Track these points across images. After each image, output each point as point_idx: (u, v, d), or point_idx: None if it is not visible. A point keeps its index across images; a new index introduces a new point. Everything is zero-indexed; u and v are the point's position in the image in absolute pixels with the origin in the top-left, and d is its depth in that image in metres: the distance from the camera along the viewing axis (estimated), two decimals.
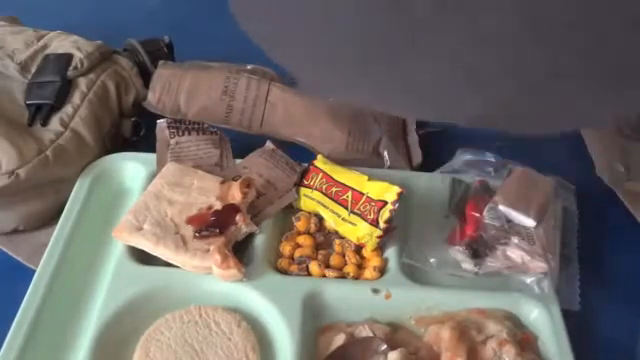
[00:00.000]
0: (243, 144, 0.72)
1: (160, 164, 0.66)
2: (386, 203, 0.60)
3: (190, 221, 0.59)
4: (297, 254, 0.61)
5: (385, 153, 0.72)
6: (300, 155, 0.69)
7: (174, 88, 0.71)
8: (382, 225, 0.60)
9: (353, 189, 0.63)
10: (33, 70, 0.70)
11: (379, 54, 0.26)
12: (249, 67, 0.75)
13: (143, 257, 0.59)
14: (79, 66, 0.70)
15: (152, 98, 0.71)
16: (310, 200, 0.64)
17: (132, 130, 0.73)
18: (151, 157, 0.67)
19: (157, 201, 0.60)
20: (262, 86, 0.72)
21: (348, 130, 0.72)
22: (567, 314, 0.58)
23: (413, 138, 0.75)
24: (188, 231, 0.58)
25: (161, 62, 0.74)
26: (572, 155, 0.74)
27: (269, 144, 0.70)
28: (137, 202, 0.61)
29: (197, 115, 0.70)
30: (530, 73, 0.25)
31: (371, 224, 0.60)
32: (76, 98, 0.68)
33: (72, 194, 0.65)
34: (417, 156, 0.73)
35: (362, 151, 0.71)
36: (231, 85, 0.71)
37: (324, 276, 0.60)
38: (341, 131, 0.72)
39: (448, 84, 0.27)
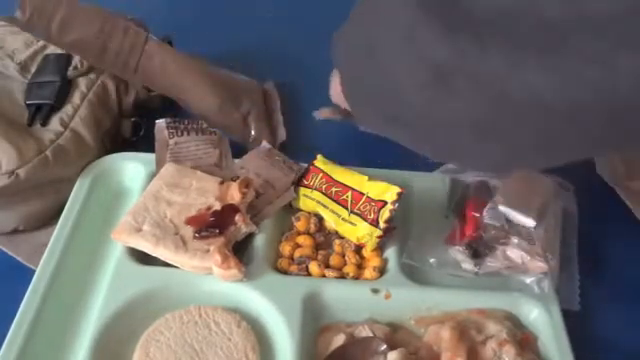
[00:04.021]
0: (241, 144, 0.72)
1: (159, 164, 0.66)
2: (386, 203, 0.60)
3: (189, 222, 0.59)
4: (297, 254, 0.61)
5: (252, 125, 0.74)
6: (299, 155, 0.69)
7: (47, 13, 0.68)
8: (382, 225, 0.60)
9: (353, 189, 0.63)
10: (33, 70, 0.70)
11: None
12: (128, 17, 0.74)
13: (143, 257, 0.59)
14: (79, 66, 0.70)
15: (21, 17, 0.68)
16: (310, 200, 0.64)
17: (132, 130, 0.73)
18: (151, 157, 0.67)
19: (156, 202, 0.60)
20: (140, 35, 0.71)
21: (220, 95, 0.73)
22: (567, 314, 0.58)
23: (278, 118, 0.78)
24: (188, 232, 0.58)
25: None
26: None
27: (265, 144, 0.70)
28: (136, 203, 0.61)
29: (71, 46, 0.69)
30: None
31: (371, 224, 0.60)
32: (76, 98, 0.68)
33: (72, 194, 0.65)
34: (282, 135, 0.76)
35: (233, 117, 0.73)
36: (108, 26, 0.69)
37: (324, 276, 0.60)
38: (214, 94, 0.73)
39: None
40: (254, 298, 0.57)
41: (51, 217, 0.65)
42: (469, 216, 0.63)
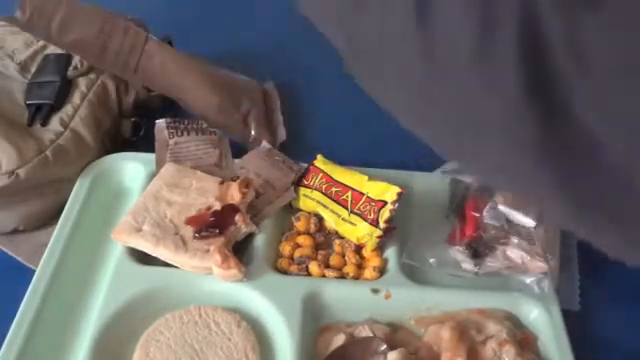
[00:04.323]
0: (241, 144, 0.72)
1: (159, 164, 0.66)
2: (386, 203, 0.60)
3: (189, 222, 0.59)
4: (297, 254, 0.61)
5: (252, 125, 0.74)
6: (299, 155, 0.69)
7: (47, 13, 0.68)
8: (382, 225, 0.60)
9: (353, 189, 0.63)
10: (33, 70, 0.70)
11: None
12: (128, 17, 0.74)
13: (143, 257, 0.59)
14: (79, 66, 0.70)
15: (21, 17, 0.68)
16: (310, 200, 0.64)
17: (132, 130, 0.73)
18: (151, 157, 0.67)
19: (156, 202, 0.60)
20: (140, 35, 0.71)
21: (220, 95, 0.73)
22: (567, 314, 0.58)
23: (278, 118, 0.78)
24: (188, 232, 0.58)
25: None
26: None
27: (265, 144, 0.70)
28: (136, 203, 0.61)
29: (71, 46, 0.69)
30: None
31: (371, 224, 0.60)
32: (76, 98, 0.68)
33: (72, 194, 0.65)
34: (282, 135, 0.76)
35: (233, 117, 0.74)
36: (108, 26, 0.70)
37: (324, 276, 0.60)
38: (214, 94, 0.73)
39: None
40: (254, 298, 0.57)
41: (51, 217, 0.65)
42: (469, 216, 0.63)
